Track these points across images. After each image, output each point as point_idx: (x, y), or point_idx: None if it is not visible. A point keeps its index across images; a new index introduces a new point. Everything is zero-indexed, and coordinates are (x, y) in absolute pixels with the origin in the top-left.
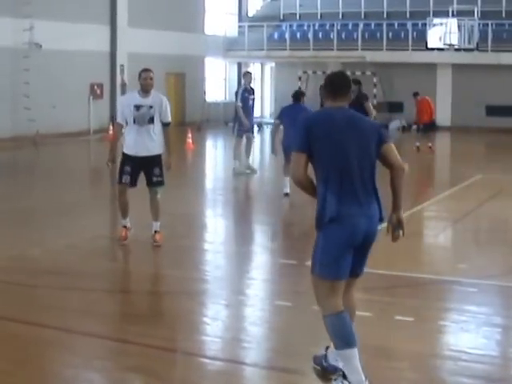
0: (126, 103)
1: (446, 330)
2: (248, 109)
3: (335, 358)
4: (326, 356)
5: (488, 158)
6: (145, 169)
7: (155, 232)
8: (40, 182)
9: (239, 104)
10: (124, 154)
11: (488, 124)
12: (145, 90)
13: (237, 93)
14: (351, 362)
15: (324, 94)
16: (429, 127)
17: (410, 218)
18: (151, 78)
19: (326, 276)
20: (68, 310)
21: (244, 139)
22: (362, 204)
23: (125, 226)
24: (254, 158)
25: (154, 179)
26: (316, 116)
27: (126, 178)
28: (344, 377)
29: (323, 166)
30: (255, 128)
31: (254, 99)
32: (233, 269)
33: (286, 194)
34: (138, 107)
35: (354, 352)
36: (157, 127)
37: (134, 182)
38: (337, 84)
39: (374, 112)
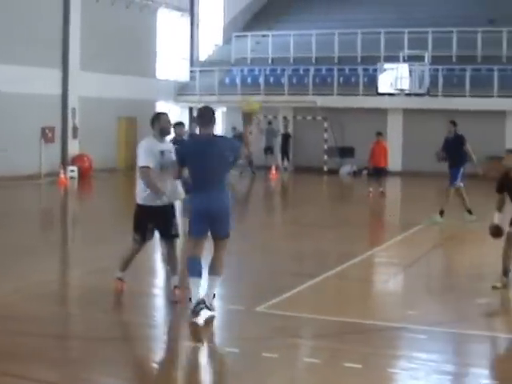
0: (149, 148)
1: (396, 377)
2: None
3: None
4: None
5: (439, 204)
6: (162, 219)
7: (174, 287)
8: None
9: None
10: (140, 206)
11: (439, 169)
12: (165, 134)
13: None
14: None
15: (196, 124)
16: (378, 172)
17: (361, 264)
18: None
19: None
20: (17, 356)
21: None
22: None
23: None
24: None
25: (173, 231)
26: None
27: (150, 236)
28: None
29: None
30: None
31: None
32: (174, 315)
33: None
34: (162, 152)
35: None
36: None
37: (150, 236)
38: (204, 116)
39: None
